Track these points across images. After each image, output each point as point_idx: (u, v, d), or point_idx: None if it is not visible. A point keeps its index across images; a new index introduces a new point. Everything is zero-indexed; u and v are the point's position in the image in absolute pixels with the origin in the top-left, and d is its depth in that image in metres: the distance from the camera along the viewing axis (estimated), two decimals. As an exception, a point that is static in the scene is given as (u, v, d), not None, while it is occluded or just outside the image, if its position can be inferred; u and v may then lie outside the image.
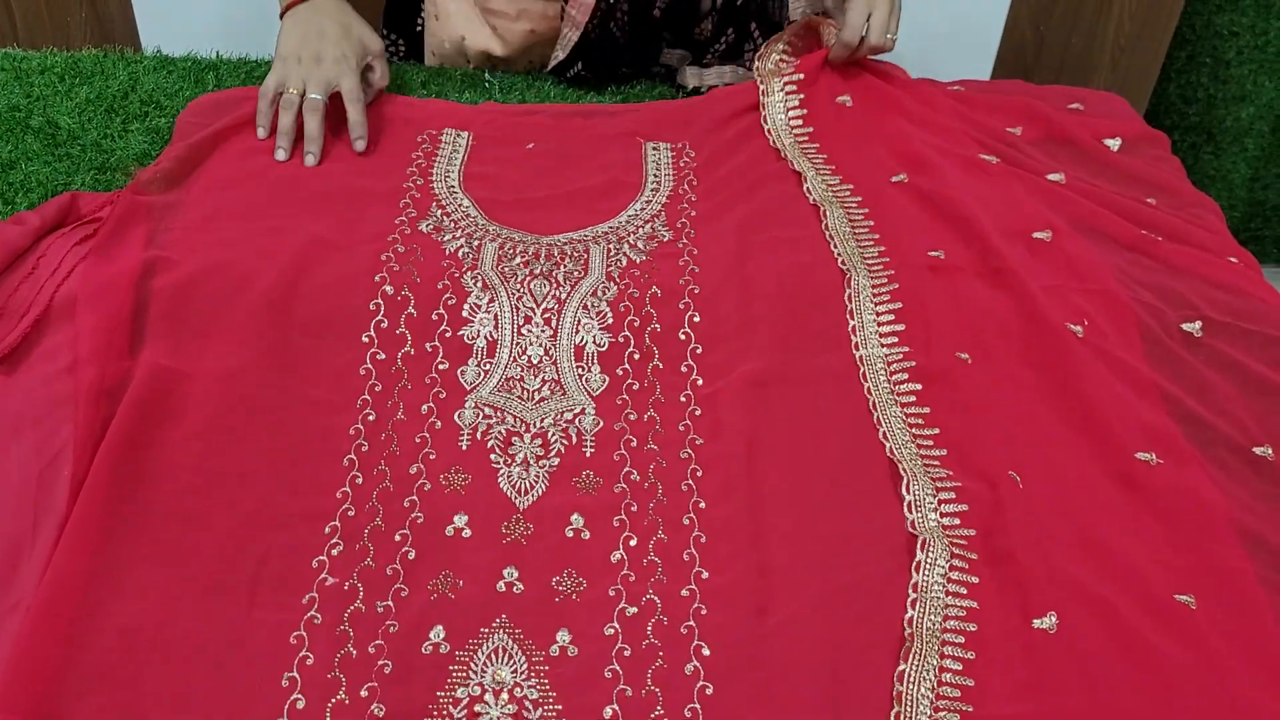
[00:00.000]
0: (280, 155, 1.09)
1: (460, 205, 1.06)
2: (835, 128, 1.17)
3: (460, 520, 0.81)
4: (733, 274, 0.99)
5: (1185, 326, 0.98)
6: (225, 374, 0.86)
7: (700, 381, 0.91)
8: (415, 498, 0.82)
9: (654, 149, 1.16)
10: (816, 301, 0.98)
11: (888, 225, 1.05)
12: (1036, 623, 0.74)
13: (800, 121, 1.18)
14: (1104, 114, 1.24)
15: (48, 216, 0.96)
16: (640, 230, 1.04)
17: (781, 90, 1.20)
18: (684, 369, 0.92)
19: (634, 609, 0.76)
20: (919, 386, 0.90)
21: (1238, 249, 1.07)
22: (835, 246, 1.03)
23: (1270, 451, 0.88)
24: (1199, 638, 0.74)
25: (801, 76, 1.21)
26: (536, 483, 0.83)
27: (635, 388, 0.91)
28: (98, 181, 1.08)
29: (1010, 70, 1.98)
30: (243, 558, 0.76)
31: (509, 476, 0.84)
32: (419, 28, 1.38)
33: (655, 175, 1.12)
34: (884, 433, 0.87)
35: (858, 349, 0.94)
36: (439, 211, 1.05)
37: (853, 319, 0.96)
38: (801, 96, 1.20)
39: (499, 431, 0.86)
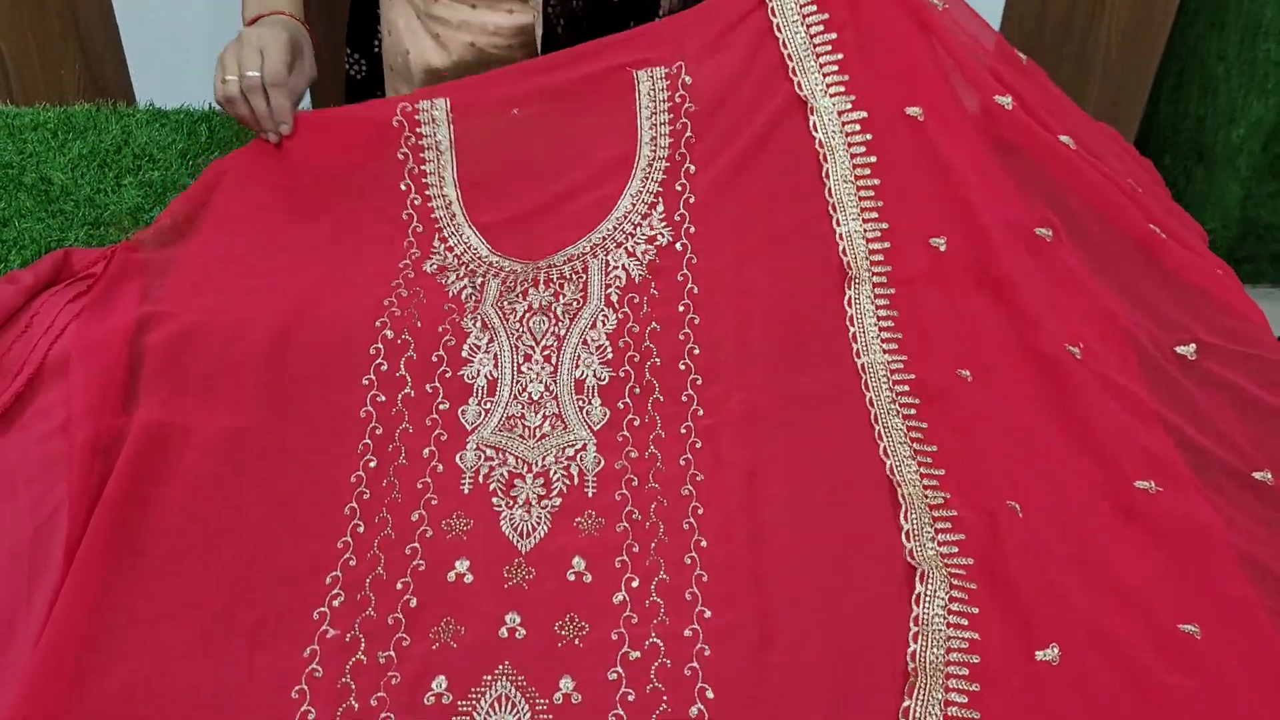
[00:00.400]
0: (271, 138, 1.07)
1: (464, 239, 1.04)
2: (854, 18, 1.06)
3: (462, 565, 0.80)
4: (732, 290, 0.97)
5: (1179, 350, 0.97)
6: (222, 426, 0.86)
7: (701, 412, 0.91)
8: (417, 544, 0.82)
9: (648, 77, 1.08)
10: (816, 313, 0.95)
11: (892, 189, 0.99)
12: (1040, 654, 0.74)
13: (814, 9, 1.06)
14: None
15: (41, 274, 0.96)
16: (638, 230, 1.01)
17: None
18: (684, 399, 0.92)
19: (637, 653, 0.76)
20: (919, 401, 0.89)
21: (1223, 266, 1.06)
22: (838, 224, 0.98)
23: (1270, 476, 0.88)
24: (1205, 668, 0.74)
25: None
26: (538, 525, 0.83)
27: (636, 423, 0.90)
28: (91, 237, 1.08)
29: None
30: (242, 611, 0.76)
31: (511, 520, 0.83)
32: (376, 48, 1.38)
33: (651, 131, 1.05)
34: (884, 448, 0.86)
35: (858, 356, 0.92)
36: (443, 247, 1.03)
37: (853, 325, 0.94)
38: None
39: (501, 474, 0.86)
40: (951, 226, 0.98)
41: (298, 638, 0.76)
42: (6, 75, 1.83)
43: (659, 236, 1.01)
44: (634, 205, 1.03)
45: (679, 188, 1.04)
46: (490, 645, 0.76)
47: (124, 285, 0.96)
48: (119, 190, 1.14)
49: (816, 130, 1.02)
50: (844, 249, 0.98)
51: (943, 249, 0.97)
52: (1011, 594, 0.77)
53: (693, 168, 1.04)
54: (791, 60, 1.05)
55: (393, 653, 0.75)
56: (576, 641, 0.76)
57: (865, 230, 0.99)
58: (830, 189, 1.00)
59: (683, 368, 0.94)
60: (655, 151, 1.05)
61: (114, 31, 1.85)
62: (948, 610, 0.76)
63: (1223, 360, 0.96)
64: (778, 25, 1.06)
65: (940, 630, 0.75)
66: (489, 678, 0.74)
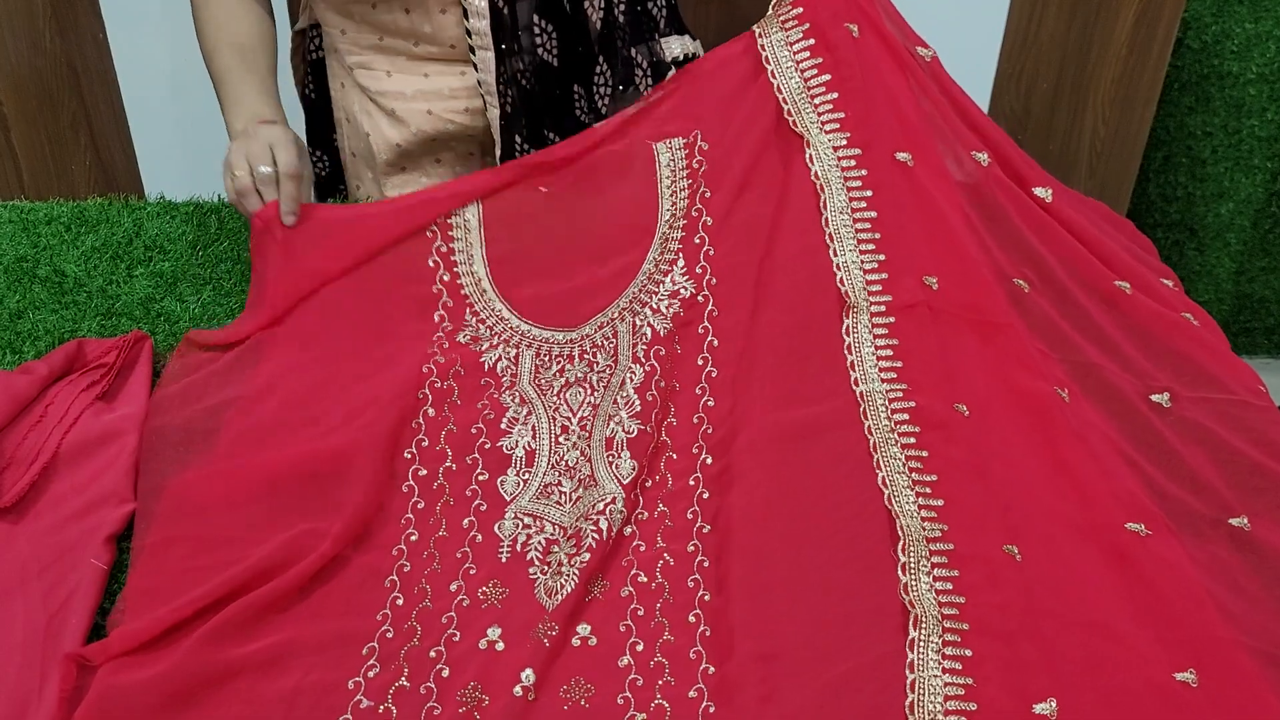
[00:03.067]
0: (288, 220, 1.09)
1: (494, 309, 1.06)
2: (849, 60, 1.09)
3: (494, 633, 0.82)
4: (747, 337, 0.99)
5: (1154, 398, 0.99)
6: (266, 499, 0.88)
7: (709, 460, 0.92)
8: (453, 614, 0.83)
9: (666, 149, 1.12)
10: (815, 336, 0.97)
11: (889, 224, 1.01)
12: (1038, 708, 0.74)
13: (807, 54, 1.10)
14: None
15: (55, 365, 0.98)
16: (661, 288, 1.04)
17: (784, 35, 1.12)
18: (694, 450, 0.94)
19: (643, 715, 0.77)
20: (918, 429, 0.90)
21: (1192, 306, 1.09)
22: (835, 257, 1.00)
23: (1246, 522, 0.89)
24: (1203, 716, 0.74)
25: (801, 10, 1.12)
26: (566, 583, 0.84)
27: (649, 484, 0.92)
28: (103, 327, 1.10)
29: (992, 178, 2.03)
30: (278, 683, 0.77)
31: (544, 585, 0.85)
32: (335, 142, 1.41)
33: (671, 198, 1.09)
34: (883, 477, 0.87)
35: (857, 385, 0.93)
36: (474, 319, 1.05)
37: (851, 354, 0.96)
38: (807, 27, 1.11)
39: (538, 541, 0.88)
40: (942, 268, 1.00)
41: (332, 706, 0.77)
42: (19, 171, 1.87)
43: (682, 290, 1.04)
44: (656, 265, 1.06)
45: (697, 240, 1.07)
46: (509, 707, 0.76)
47: (138, 370, 0.98)
48: (130, 281, 1.16)
49: (813, 163, 1.05)
50: (841, 279, 1.00)
51: (935, 288, 0.99)
52: (1006, 648, 0.78)
53: (710, 220, 1.07)
54: (787, 103, 1.09)
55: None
56: (583, 703, 0.77)
57: (863, 261, 1.00)
58: (827, 219, 1.03)
59: (696, 421, 0.96)
60: (675, 212, 1.08)
61: (124, 126, 1.90)
62: (942, 655, 0.77)
63: (1196, 407, 0.98)
64: (772, 71, 1.10)
65: (936, 677, 0.76)
66: None
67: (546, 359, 1.02)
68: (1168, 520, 0.88)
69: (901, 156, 1.05)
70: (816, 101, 1.08)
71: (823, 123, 1.07)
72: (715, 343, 1.00)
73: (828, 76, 1.08)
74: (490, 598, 0.84)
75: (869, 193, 1.03)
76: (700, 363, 1.00)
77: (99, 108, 1.87)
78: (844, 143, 1.06)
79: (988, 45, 1.92)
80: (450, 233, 1.10)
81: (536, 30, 1.21)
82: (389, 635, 0.82)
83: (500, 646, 0.81)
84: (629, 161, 1.12)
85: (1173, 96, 2.04)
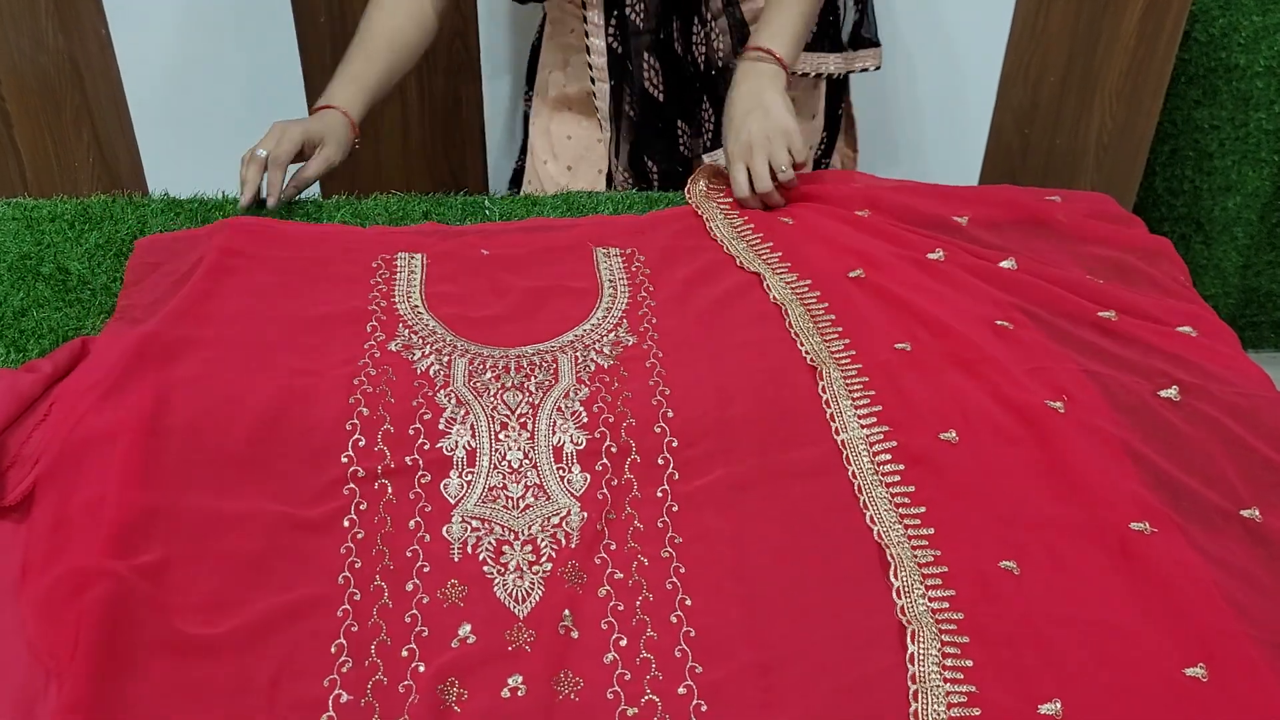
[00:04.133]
0: (242, 200, 1.26)
1: (426, 324, 1.08)
2: (785, 231, 1.21)
3: (464, 630, 0.82)
4: (704, 378, 1.02)
5: (1163, 393, 0.99)
6: (211, 510, 0.87)
7: (677, 476, 0.93)
8: (416, 612, 0.83)
9: (605, 254, 1.18)
10: (792, 403, 0.99)
11: (851, 320, 1.07)
12: (1043, 708, 0.75)
13: (750, 229, 1.22)
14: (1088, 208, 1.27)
15: (59, 363, 0.97)
16: (605, 338, 1.07)
17: (721, 211, 1.26)
18: (660, 461, 0.94)
19: (634, 709, 0.77)
20: (903, 466, 0.92)
21: (1195, 298, 1.12)
22: (801, 344, 1.05)
23: (1258, 513, 0.89)
24: (1213, 710, 0.75)
25: (732, 200, 1.27)
26: (532, 590, 0.84)
27: (615, 484, 0.92)
28: (108, 325, 1.09)
29: (998, 173, 2.03)
30: (255, 682, 0.77)
31: (504, 585, 0.85)
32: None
33: (610, 281, 1.15)
34: (871, 515, 0.88)
35: (838, 434, 0.95)
36: (406, 331, 1.06)
37: (829, 408, 0.98)
38: (743, 216, 1.25)
39: (489, 543, 0.88)
40: (913, 334, 1.05)
41: (312, 705, 0.76)
42: (22, 168, 1.86)
43: (625, 341, 1.07)
44: (601, 322, 1.09)
45: (641, 313, 1.11)
46: (494, 706, 0.76)
47: (138, 369, 0.97)
48: (135, 279, 1.15)
49: (771, 290, 1.13)
50: (806, 351, 1.05)
51: (909, 349, 1.03)
52: (1008, 653, 0.78)
53: (654, 302, 1.12)
54: (734, 254, 1.19)
55: (407, 716, 0.76)
56: (574, 696, 0.78)
57: (829, 345, 1.05)
58: (790, 324, 1.09)
59: (658, 430, 0.96)
60: (616, 291, 1.14)
61: (127, 123, 1.90)
62: (942, 666, 0.77)
63: (1206, 401, 0.99)
64: (718, 239, 1.22)
65: (939, 686, 0.76)
66: None
67: (480, 367, 1.02)
68: (1175, 515, 0.88)
69: (854, 274, 1.13)
70: (760, 252, 1.19)
71: (772, 268, 1.16)
72: (665, 373, 1.02)
73: (770, 244, 1.20)
74: (451, 596, 0.84)
75: (827, 304, 1.10)
76: (652, 384, 1.01)
77: (102, 104, 1.87)
78: (794, 278, 1.14)
79: (995, 38, 1.91)
80: (395, 264, 1.15)
81: (646, 67, 1.41)
82: (354, 629, 0.81)
83: (473, 640, 0.81)
84: (569, 250, 1.19)
85: (1180, 90, 2.03)
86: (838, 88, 1.59)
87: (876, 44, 1.55)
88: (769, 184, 1.24)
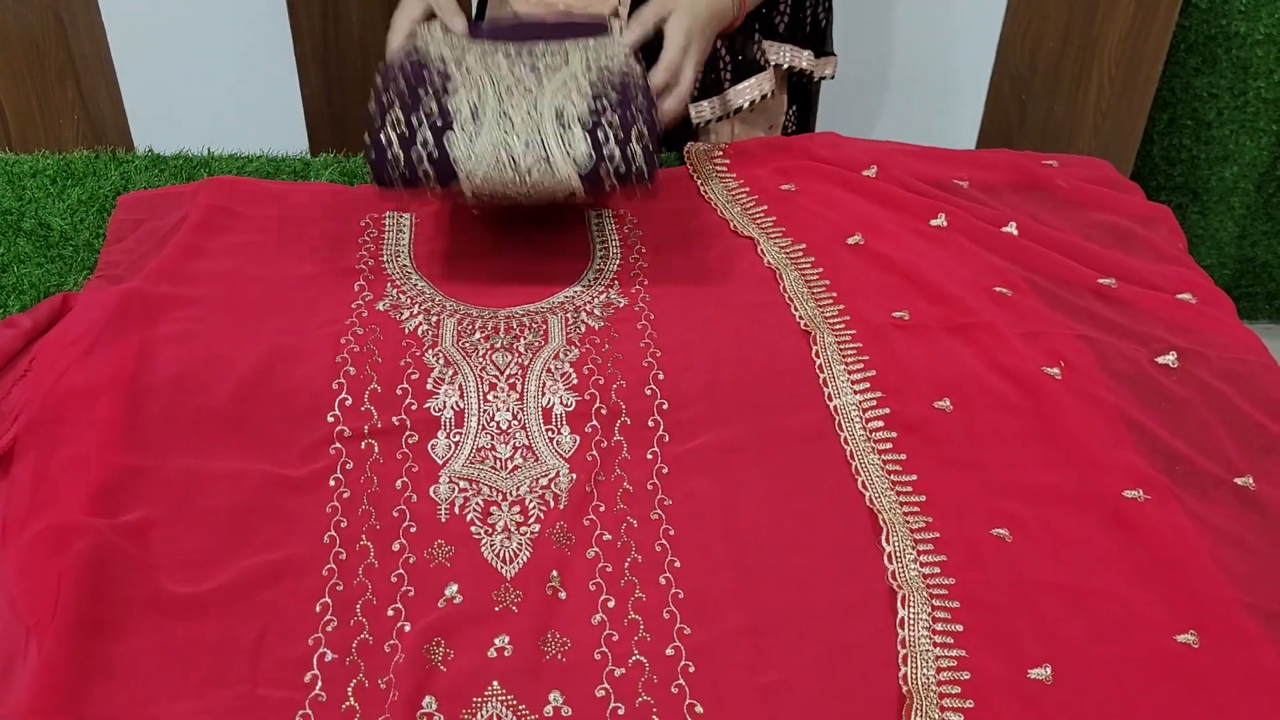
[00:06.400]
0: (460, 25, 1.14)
1: (414, 284, 1.07)
2: (784, 198, 1.19)
3: (450, 590, 0.81)
4: (696, 341, 1.01)
5: (1160, 359, 0.99)
6: (195, 468, 0.86)
7: (667, 438, 0.92)
8: (402, 571, 0.82)
9: (597, 216, 1.17)
10: (785, 368, 0.99)
11: (846, 287, 1.06)
12: (1033, 673, 0.75)
13: (745, 192, 1.20)
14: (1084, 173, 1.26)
15: (40, 319, 0.96)
16: (596, 299, 1.06)
17: (717, 174, 1.23)
18: (650, 423, 0.94)
19: (621, 669, 0.77)
20: (895, 434, 0.92)
21: (1193, 265, 1.11)
22: (795, 309, 1.04)
23: (1252, 482, 0.89)
24: (1204, 677, 0.75)
25: (729, 162, 1.25)
26: (520, 551, 0.84)
27: (604, 445, 0.92)
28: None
29: (994, 138, 2.01)
30: (239, 641, 0.76)
31: (492, 546, 0.84)
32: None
33: (602, 242, 1.14)
34: (863, 481, 0.88)
35: (830, 400, 0.95)
36: (394, 290, 1.06)
37: (822, 373, 0.97)
38: (739, 179, 1.22)
39: (476, 503, 0.87)
40: (911, 303, 1.04)
41: (296, 664, 0.76)
42: (5, 123, 1.84)
43: (616, 303, 1.06)
44: (591, 284, 1.09)
45: (633, 275, 1.10)
46: (480, 666, 0.76)
47: (121, 326, 0.95)
48: (118, 235, 1.14)
49: (765, 255, 1.11)
50: (800, 316, 1.03)
51: (906, 319, 1.02)
52: (998, 619, 0.78)
53: (646, 264, 1.11)
54: (729, 217, 1.17)
55: (392, 675, 0.75)
56: (560, 657, 0.77)
57: (824, 311, 1.04)
58: (785, 288, 1.07)
59: (648, 392, 0.96)
60: (608, 253, 1.13)
61: (112, 79, 1.87)
62: (932, 631, 0.77)
63: (1203, 367, 0.99)
64: (712, 203, 1.20)
65: (927, 650, 0.76)
66: (479, 699, 0.74)
67: (469, 327, 1.02)
68: (1169, 483, 0.88)
69: (853, 240, 1.11)
70: (755, 216, 1.16)
71: (765, 231, 1.14)
72: (657, 335, 1.01)
73: (764, 209, 1.17)
74: (438, 557, 0.83)
75: (821, 269, 1.08)
76: (643, 345, 1.00)
77: (86, 60, 1.84)
78: (789, 242, 1.12)
79: (993, 2, 1.89)
80: (382, 223, 1.14)
81: None
82: (339, 588, 0.81)
83: (459, 600, 0.80)
84: (558, 211, 1.16)
85: (1179, 57, 2.01)
86: (805, 99, 1.49)
87: (834, 54, 1.46)
88: (688, 92, 1.15)
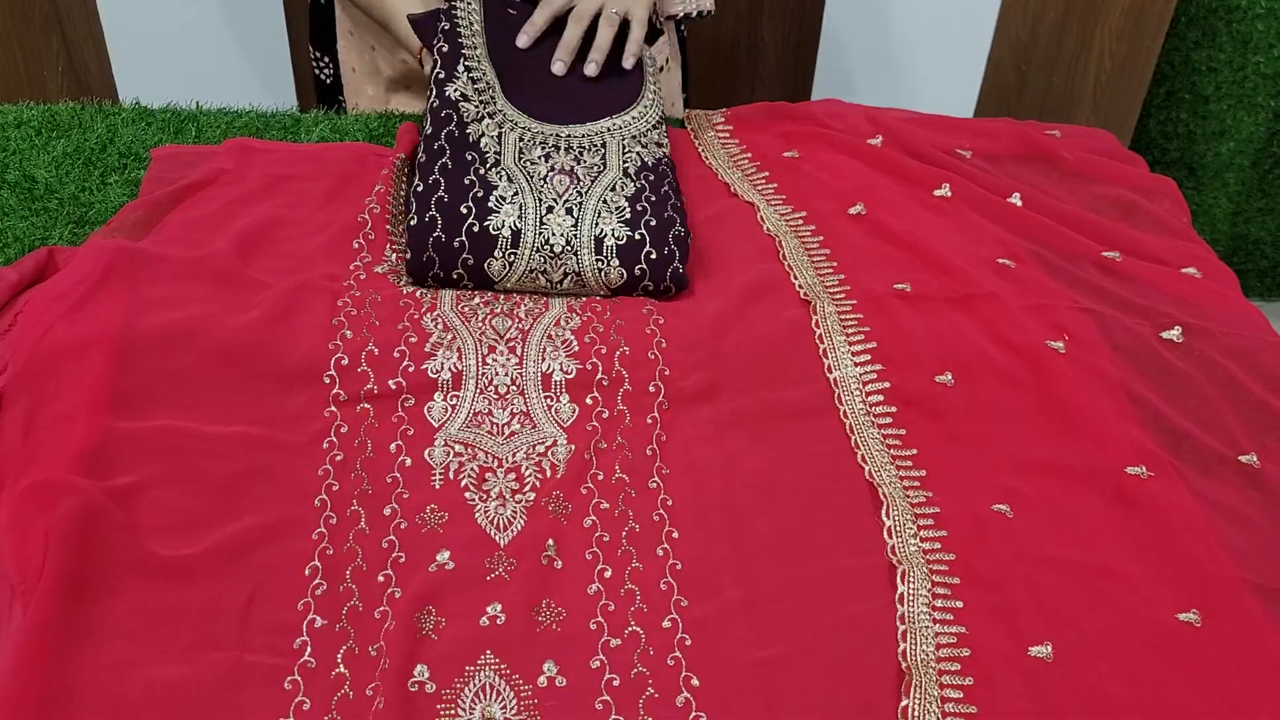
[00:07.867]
0: (557, 68, 1.14)
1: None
2: (786, 165, 1.18)
3: (443, 556, 0.80)
4: (698, 307, 1.00)
5: (1165, 335, 0.99)
6: (184, 430, 0.84)
7: (667, 405, 0.92)
8: (394, 537, 0.81)
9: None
10: (784, 338, 0.98)
11: (847, 256, 1.05)
12: (1033, 650, 0.75)
13: (747, 158, 1.19)
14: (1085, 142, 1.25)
15: (25, 272, 0.94)
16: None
17: (718, 138, 1.22)
18: (651, 389, 0.92)
19: (617, 640, 0.76)
20: (895, 409, 0.91)
21: (1196, 238, 1.11)
22: (795, 277, 1.03)
23: (1255, 459, 0.89)
24: (1205, 656, 0.75)
25: (732, 128, 1.23)
26: (514, 519, 0.83)
27: (605, 415, 0.90)
28: (76, 235, 1.06)
29: (993, 110, 2.00)
30: (227, 605, 0.75)
31: (486, 512, 0.83)
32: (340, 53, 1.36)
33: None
34: (862, 455, 0.87)
35: (830, 371, 0.94)
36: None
37: (822, 343, 0.96)
38: (741, 144, 1.21)
39: (471, 469, 0.86)
40: (913, 274, 1.02)
41: (285, 629, 0.75)
42: (-12, 73, 1.80)
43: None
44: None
45: None
46: (472, 634, 0.75)
47: (110, 282, 0.93)
48: (104, 189, 1.11)
49: (765, 222, 1.10)
50: (800, 285, 1.02)
51: (908, 290, 1.01)
52: (999, 593, 0.78)
53: None
54: (729, 182, 1.16)
55: (383, 643, 0.74)
56: (555, 627, 0.76)
57: (824, 281, 1.03)
58: (784, 256, 1.06)
59: (651, 357, 0.95)
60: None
61: (98, 30, 1.83)
62: (931, 606, 0.77)
63: (1207, 342, 0.98)
64: (712, 166, 1.20)
65: (927, 627, 0.76)
66: (472, 668, 0.73)
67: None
68: (1173, 460, 0.87)
69: (854, 210, 1.10)
70: (756, 182, 1.15)
71: (764, 197, 1.13)
72: (661, 320, 1.00)
73: (766, 172, 1.17)
74: (430, 522, 0.82)
75: (821, 238, 1.07)
76: (645, 312, 0.99)
77: (72, 11, 1.81)
78: (789, 210, 1.11)
79: (996, -30, 1.87)
80: (391, 178, 1.11)
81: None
82: (329, 552, 0.79)
83: (451, 567, 0.79)
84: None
85: (1179, 30, 2.00)
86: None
87: None
88: (604, 51, 1.14)
